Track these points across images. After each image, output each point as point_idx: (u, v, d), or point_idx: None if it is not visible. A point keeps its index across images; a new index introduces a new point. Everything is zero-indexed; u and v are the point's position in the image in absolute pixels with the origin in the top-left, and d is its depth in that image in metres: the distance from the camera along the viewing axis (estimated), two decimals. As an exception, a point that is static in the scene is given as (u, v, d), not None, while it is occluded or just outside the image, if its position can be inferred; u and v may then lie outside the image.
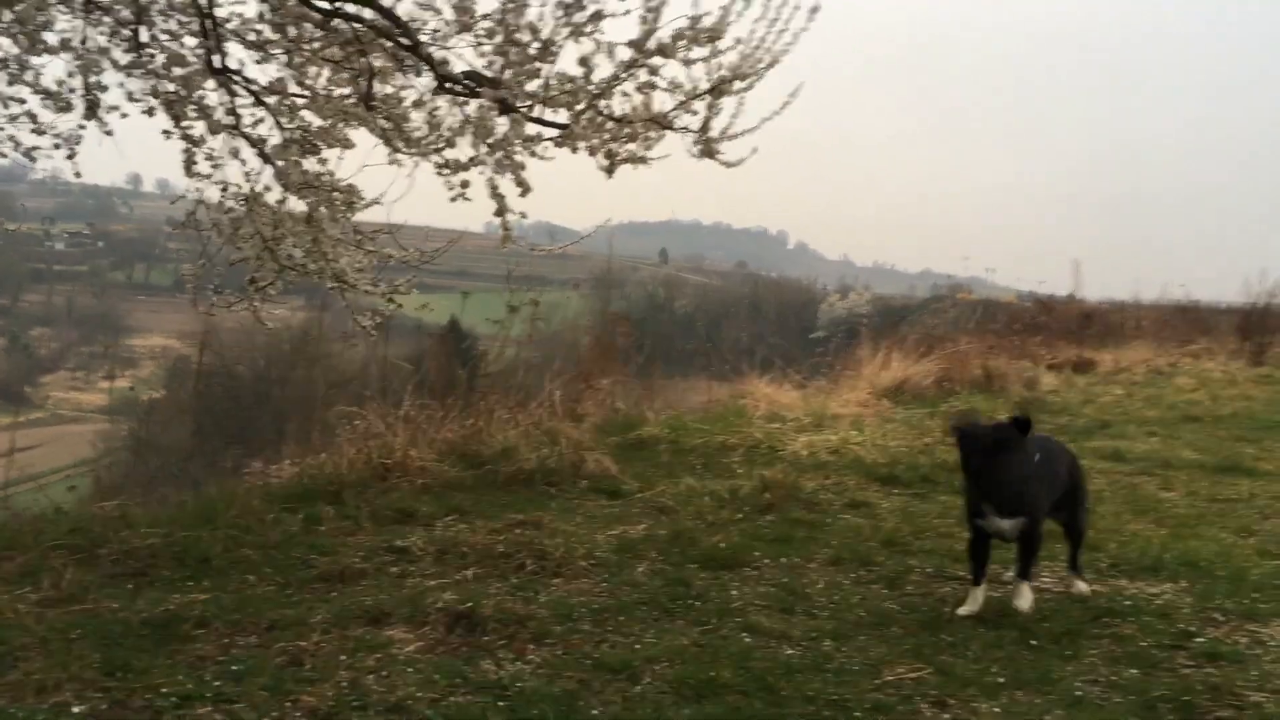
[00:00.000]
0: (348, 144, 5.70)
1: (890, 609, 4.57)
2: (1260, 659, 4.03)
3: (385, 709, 3.43)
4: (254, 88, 5.58)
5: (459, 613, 4.19)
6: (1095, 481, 7.26)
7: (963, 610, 4.53)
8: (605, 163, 5.46)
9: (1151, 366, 15.53)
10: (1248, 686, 3.74)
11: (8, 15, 4.83)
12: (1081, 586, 4.86)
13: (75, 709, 3.39)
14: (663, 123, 5.42)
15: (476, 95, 5.28)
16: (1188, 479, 7.55)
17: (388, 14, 5.16)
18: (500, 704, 3.48)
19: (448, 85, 5.35)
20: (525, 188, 5.40)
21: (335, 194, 5.77)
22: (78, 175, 5.54)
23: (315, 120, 5.62)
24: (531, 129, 5.28)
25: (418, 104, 5.54)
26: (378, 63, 5.38)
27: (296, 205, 5.83)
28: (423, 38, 5.19)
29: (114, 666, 3.67)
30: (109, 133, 5.42)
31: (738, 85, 5.31)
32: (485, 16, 5.18)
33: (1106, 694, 3.70)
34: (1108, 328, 19.48)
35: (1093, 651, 4.08)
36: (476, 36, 5.23)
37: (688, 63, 5.20)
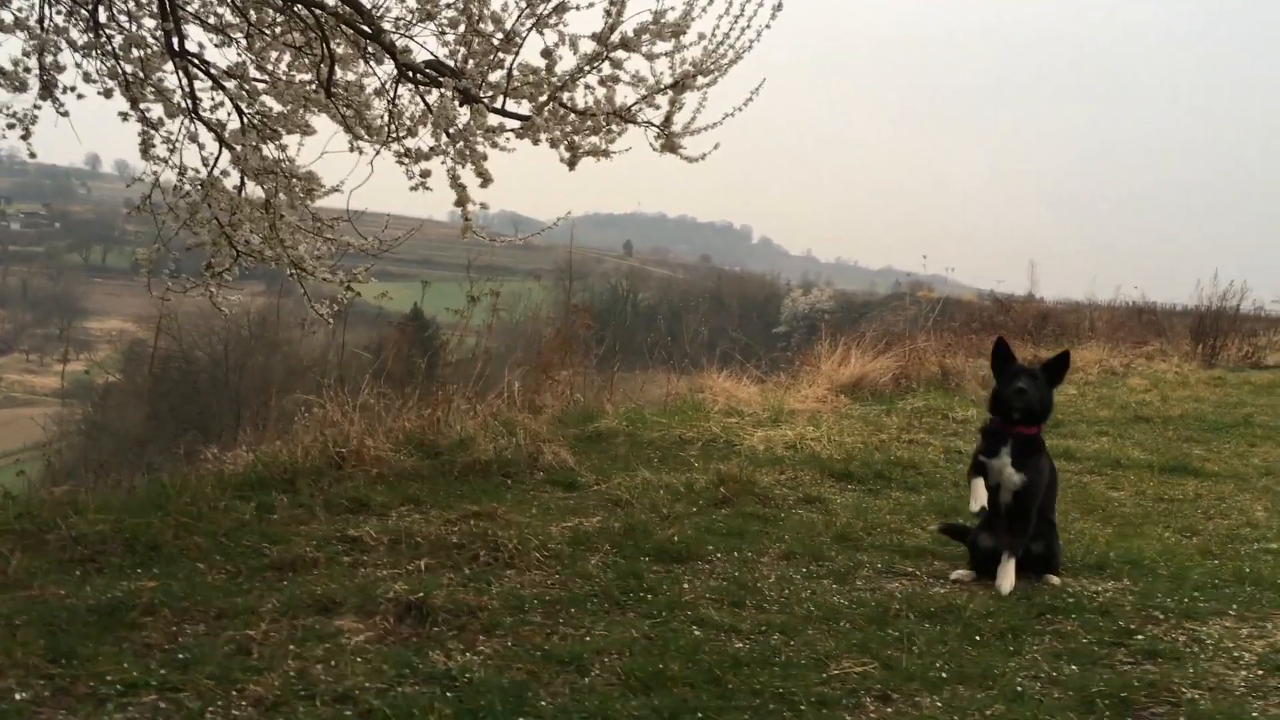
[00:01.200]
0: (308, 130, 5.67)
1: (839, 604, 4.62)
2: (1197, 656, 4.12)
3: (332, 698, 3.42)
4: (213, 71, 5.54)
5: (410, 603, 4.19)
6: (1045, 480, 7.39)
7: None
8: (567, 155, 5.47)
9: (1105, 366, 15.73)
10: (1184, 683, 3.82)
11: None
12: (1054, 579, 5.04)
13: (18, 695, 3.36)
14: (625, 116, 5.44)
15: (438, 84, 5.27)
16: (1136, 478, 7.68)
17: (350, 1, 5.13)
18: (448, 694, 3.49)
19: (409, 74, 5.33)
20: (486, 178, 5.39)
21: (294, 180, 5.73)
22: (32, 155, 5.48)
23: (275, 105, 5.59)
24: (493, 120, 5.27)
25: (379, 92, 5.52)
26: (339, 49, 5.36)
27: (255, 191, 5.79)
28: (385, 25, 5.18)
29: (59, 653, 3.64)
30: (64, 113, 5.35)
31: (701, 80, 5.33)
32: (448, 5, 5.18)
33: (1047, 689, 3.76)
34: (1063, 328, 19.74)
35: (1035, 647, 4.15)
36: (439, 25, 5.23)
37: (651, 57, 5.22)
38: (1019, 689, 3.73)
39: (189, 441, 7.83)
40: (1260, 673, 3.98)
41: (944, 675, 3.83)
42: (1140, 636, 4.30)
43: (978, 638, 4.22)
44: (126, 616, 4.00)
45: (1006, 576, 4.89)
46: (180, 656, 3.68)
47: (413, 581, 4.51)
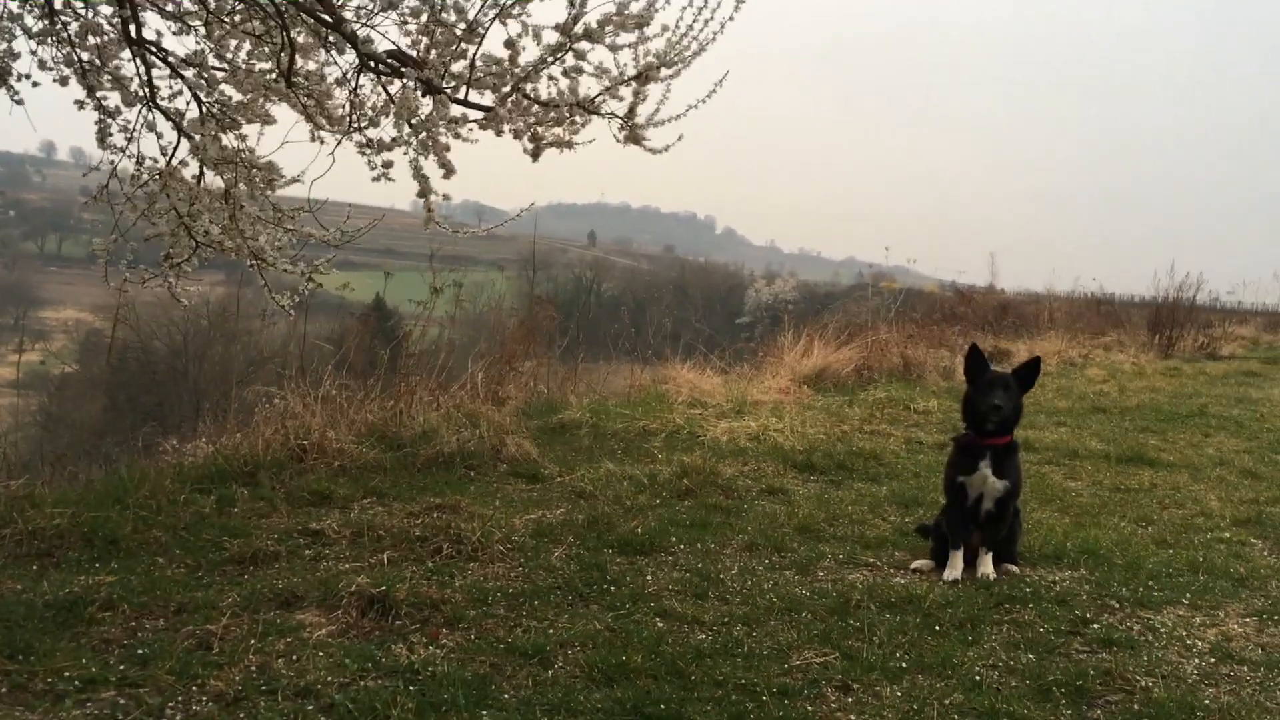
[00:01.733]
0: (268, 119, 5.61)
1: (801, 595, 4.65)
2: (1151, 645, 4.19)
3: (294, 693, 3.41)
4: (171, 59, 5.47)
5: (372, 596, 4.18)
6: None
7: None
8: (530, 146, 5.45)
9: (1064, 357, 15.90)
10: (1138, 671, 3.89)
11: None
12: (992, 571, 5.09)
13: (-26, 692, 3.32)
14: (589, 108, 5.42)
15: (400, 75, 5.23)
16: (1093, 469, 7.78)
17: (310, -11, 5.08)
18: (411, 688, 3.49)
19: (371, 64, 5.29)
20: (449, 169, 5.37)
21: (254, 170, 5.68)
22: (-14, 143, 5.38)
23: (235, 94, 5.53)
24: (456, 110, 5.24)
25: (340, 82, 5.47)
26: (299, 38, 5.30)
27: (214, 181, 5.73)
28: (346, 14, 5.12)
29: (16, 649, 3.60)
30: (19, 101, 5.27)
31: (664, 72, 5.33)
32: (411, -5, 5.15)
33: (1004, 678, 3.82)
34: (1023, 319, 19.93)
35: (993, 637, 4.21)
36: (401, 15, 5.18)
37: (615, 48, 5.20)
38: (977, 678, 3.79)
39: (148, 433, 7.74)
40: (1212, 660, 4.07)
41: (904, 665, 3.88)
42: (1096, 625, 4.37)
43: (937, 628, 4.27)
44: (84, 612, 3.97)
45: (988, 565, 5.03)
46: (140, 652, 3.66)
47: (375, 575, 4.49)
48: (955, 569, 4.98)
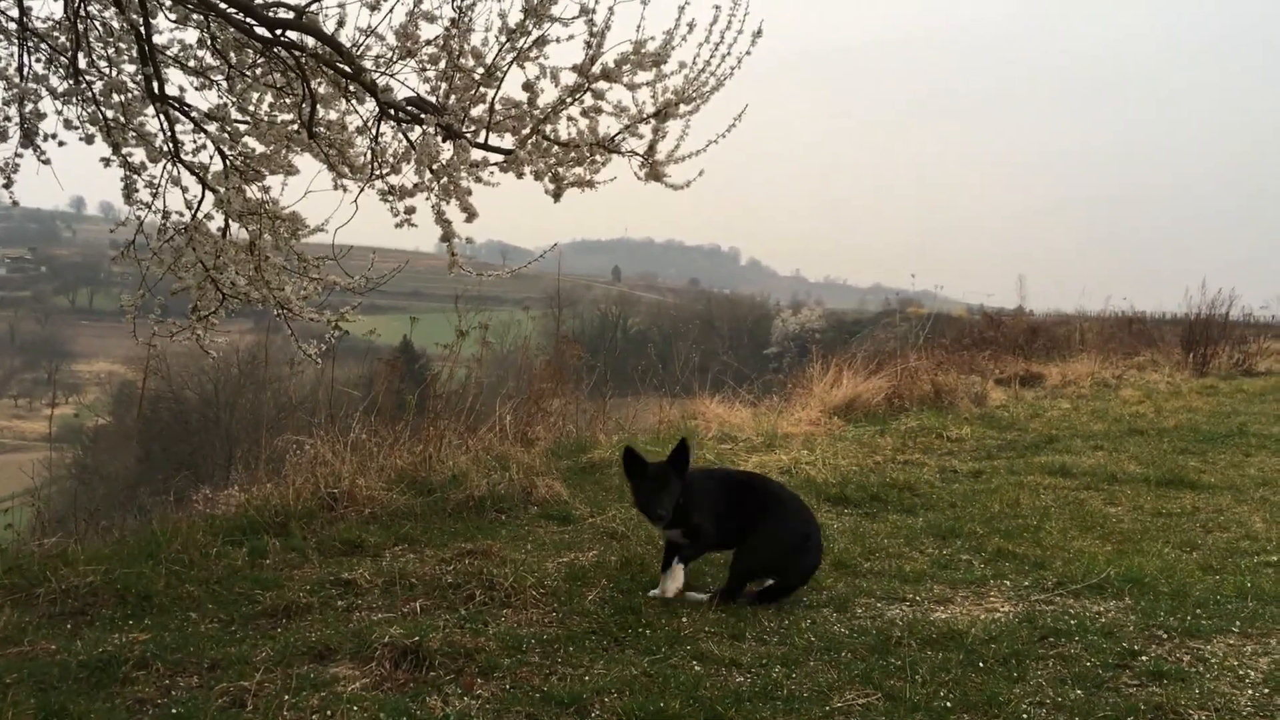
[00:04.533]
0: (291, 170, 5.65)
1: (839, 633, 4.57)
2: (1202, 676, 4.07)
3: (329, 750, 3.37)
4: (194, 114, 5.52)
5: (406, 647, 4.13)
6: (1042, 498, 7.36)
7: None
8: (551, 187, 5.45)
9: (1097, 379, 15.74)
10: (1190, 705, 3.78)
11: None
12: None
13: (8, 758, 3.30)
14: (609, 147, 5.42)
15: (420, 121, 5.26)
16: (1132, 493, 7.65)
17: (330, 41, 5.12)
18: (447, 741, 3.43)
19: (391, 111, 5.32)
20: (471, 213, 5.37)
21: (278, 221, 5.71)
22: (15, 204, 5.45)
23: (257, 147, 5.57)
24: (476, 154, 5.26)
25: (361, 130, 5.51)
26: (320, 89, 5.35)
27: (239, 233, 5.77)
28: (365, 64, 5.16)
29: (50, 712, 3.58)
30: (46, 161, 5.33)
31: (683, 109, 5.33)
32: (429, 42, 5.18)
33: (1053, 716, 3.72)
34: (1054, 341, 19.74)
35: (1039, 673, 4.10)
36: (420, 62, 5.22)
37: (633, 87, 5.21)
38: (1025, 717, 3.69)
39: (180, 484, 7.77)
40: (1266, 691, 3.95)
41: (948, 704, 3.79)
42: (1144, 657, 4.26)
43: (981, 664, 4.17)
44: (118, 671, 3.94)
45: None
46: (174, 711, 3.62)
47: (408, 625, 4.45)
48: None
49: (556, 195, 5.51)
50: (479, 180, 5.38)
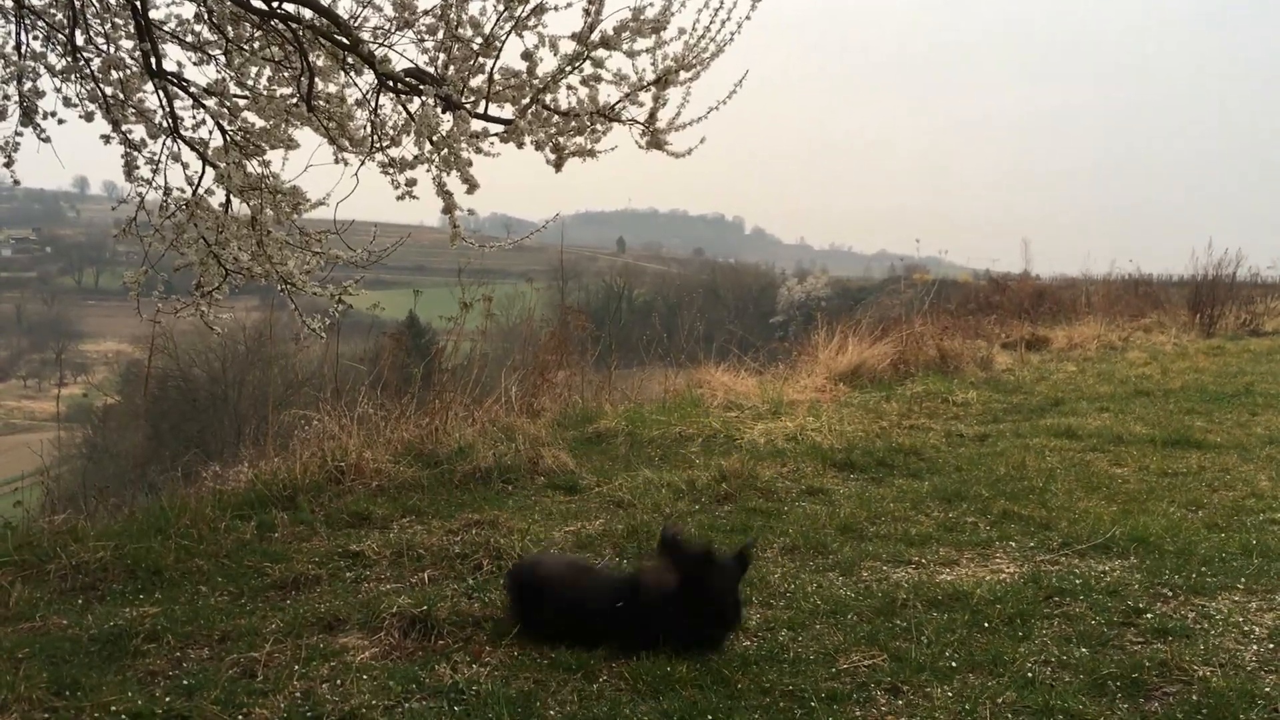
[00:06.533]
0: (291, 144, 5.64)
1: (845, 596, 4.59)
2: (1207, 633, 4.09)
3: (339, 718, 3.40)
4: (193, 90, 5.50)
5: (414, 617, 4.17)
6: (1047, 460, 7.37)
7: None
8: (552, 157, 5.44)
9: (1103, 342, 15.70)
10: (1195, 661, 3.80)
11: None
12: None
13: (22, 730, 3.34)
14: (609, 115, 5.40)
15: (419, 93, 5.24)
16: (1138, 454, 7.65)
17: (327, 13, 5.10)
18: (456, 708, 3.47)
19: (390, 83, 5.30)
20: (472, 184, 5.36)
21: (279, 196, 5.70)
22: (16, 183, 5.45)
23: (257, 121, 5.56)
24: (476, 125, 5.24)
25: (360, 103, 5.49)
26: (318, 62, 5.33)
27: (241, 208, 5.76)
28: (363, 35, 5.14)
29: (63, 685, 3.62)
30: (46, 139, 5.33)
31: (683, 75, 5.30)
32: (426, 12, 5.15)
33: (1057, 674, 3.74)
34: (1060, 304, 19.67)
35: (1044, 632, 4.13)
36: (418, 33, 5.20)
37: (632, 54, 5.18)
38: (1029, 675, 3.71)
39: (190, 461, 7.80)
40: (1271, 646, 3.97)
41: (953, 664, 3.81)
42: (1149, 615, 4.27)
43: (986, 625, 4.19)
44: (129, 644, 3.98)
45: None
46: (185, 683, 3.66)
47: (416, 595, 4.48)
48: None
49: (558, 165, 5.49)
50: (479, 151, 5.36)
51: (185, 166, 5.66)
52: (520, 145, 5.31)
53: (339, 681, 3.67)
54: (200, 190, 5.72)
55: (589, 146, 5.48)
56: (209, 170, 5.64)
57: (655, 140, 5.46)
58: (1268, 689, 3.57)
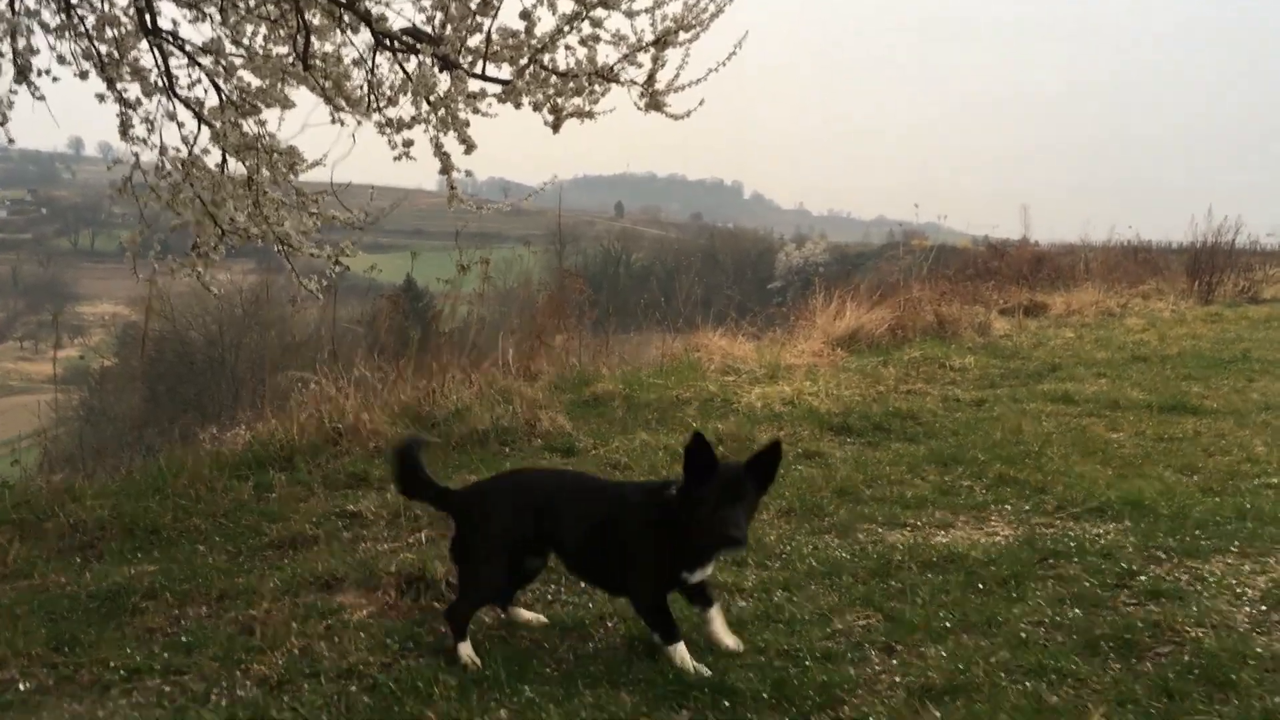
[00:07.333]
0: (288, 104, 5.60)
1: (841, 558, 4.61)
2: (1200, 595, 4.11)
3: (337, 675, 3.42)
4: (188, 48, 5.46)
5: (411, 576, 4.18)
6: (1044, 425, 7.38)
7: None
8: (550, 118, 5.41)
9: (1102, 308, 15.69)
10: (1187, 622, 3.81)
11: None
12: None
13: (22, 685, 3.36)
14: (608, 76, 5.37)
15: (416, 52, 5.20)
16: (1135, 419, 7.66)
17: (322, -31, 5.06)
18: (453, 666, 3.48)
19: (387, 42, 5.26)
20: (470, 145, 5.34)
21: (276, 155, 5.67)
22: (11, 142, 5.42)
23: (253, 80, 5.52)
24: (474, 85, 5.21)
25: (357, 62, 5.44)
26: (314, 20, 5.28)
27: (237, 168, 5.73)
28: (361, -8, 5.10)
29: (61, 641, 3.64)
30: (40, 97, 5.29)
31: (683, 36, 5.26)
32: (423, -31, 5.11)
33: (1051, 634, 3.76)
34: (1058, 271, 19.62)
35: (1038, 593, 4.14)
36: (416, -9, 5.15)
37: (631, 14, 5.15)
38: (1023, 635, 3.73)
39: (187, 422, 7.81)
40: (1263, 608, 3.99)
41: (948, 625, 3.83)
42: (1143, 577, 4.29)
43: (980, 586, 4.21)
44: (127, 602, 4.00)
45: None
46: (183, 640, 3.68)
47: (414, 554, 4.50)
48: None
49: (555, 126, 5.46)
50: (477, 111, 5.33)
51: (181, 126, 5.63)
52: (518, 106, 5.27)
53: (336, 639, 3.70)
54: (196, 149, 5.69)
55: (587, 108, 5.45)
56: (205, 129, 5.61)
57: (654, 102, 5.42)
58: (1259, 649, 3.59)
